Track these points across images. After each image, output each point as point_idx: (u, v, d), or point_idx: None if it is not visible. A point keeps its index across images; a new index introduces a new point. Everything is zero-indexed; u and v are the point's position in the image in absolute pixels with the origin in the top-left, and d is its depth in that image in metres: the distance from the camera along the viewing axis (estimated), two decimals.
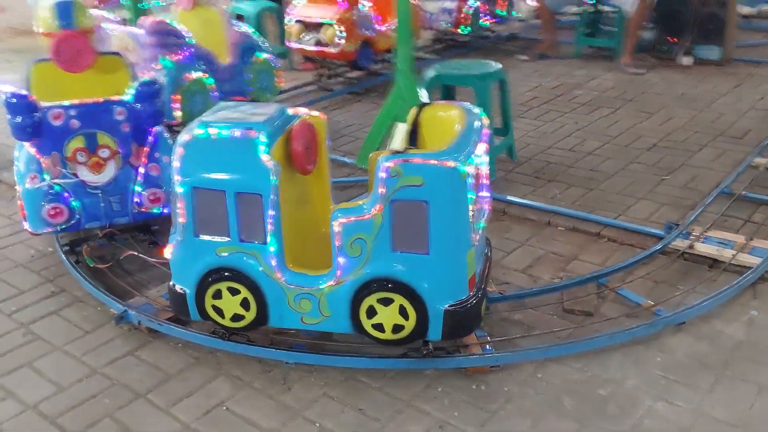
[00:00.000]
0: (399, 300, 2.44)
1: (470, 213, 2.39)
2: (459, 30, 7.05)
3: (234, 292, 2.58)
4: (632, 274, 3.12)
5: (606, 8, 6.94)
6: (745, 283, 2.95)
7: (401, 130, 3.91)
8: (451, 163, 2.30)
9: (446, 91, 4.32)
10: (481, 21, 7.22)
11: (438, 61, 4.39)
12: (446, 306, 2.42)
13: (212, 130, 2.49)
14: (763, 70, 6.24)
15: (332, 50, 5.73)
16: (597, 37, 7.18)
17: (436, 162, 2.31)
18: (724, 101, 5.45)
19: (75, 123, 3.14)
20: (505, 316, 2.86)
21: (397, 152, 2.36)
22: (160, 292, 3.00)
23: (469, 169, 2.33)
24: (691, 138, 4.72)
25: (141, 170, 3.30)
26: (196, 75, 4.43)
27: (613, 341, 2.66)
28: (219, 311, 2.62)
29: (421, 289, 2.41)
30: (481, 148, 2.52)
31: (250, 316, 2.61)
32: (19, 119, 3.05)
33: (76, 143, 3.16)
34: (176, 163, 2.51)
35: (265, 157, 2.43)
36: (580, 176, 4.19)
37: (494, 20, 7.57)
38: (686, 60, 6.38)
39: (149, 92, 3.17)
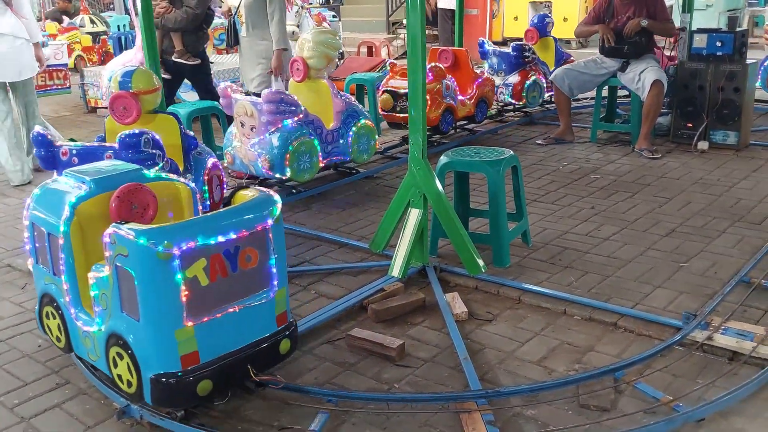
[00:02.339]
0: (126, 358, 2.56)
1: (183, 293, 2.44)
2: (517, 102, 7.68)
3: (53, 316, 3.00)
4: (650, 367, 3.03)
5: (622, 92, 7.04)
6: (766, 378, 2.86)
7: (414, 216, 3.95)
8: (142, 241, 2.38)
9: (459, 177, 4.35)
10: (541, 94, 7.78)
11: (452, 148, 4.43)
12: (152, 375, 2.51)
13: (60, 178, 2.99)
14: None
15: None
16: (613, 121, 7.26)
17: (132, 237, 2.40)
18: (742, 186, 5.42)
19: (75, 160, 3.66)
20: (518, 412, 2.78)
21: (119, 223, 2.52)
22: None
23: (174, 250, 2.39)
24: (709, 224, 4.68)
25: None
26: (302, 138, 5.03)
27: None
28: (50, 330, 3.07)
29: (136, 352, 2.55)
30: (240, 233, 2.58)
31: (63, 339, 2.99)
32: (42, 152, 3.69)
33: None
34: (28, 200, 3.01)
35: (65, 208, 2.74)
36: (597, 262, 4.15)
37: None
38: (701, 144, 6.39)
39: (130, 142, 3.53)
